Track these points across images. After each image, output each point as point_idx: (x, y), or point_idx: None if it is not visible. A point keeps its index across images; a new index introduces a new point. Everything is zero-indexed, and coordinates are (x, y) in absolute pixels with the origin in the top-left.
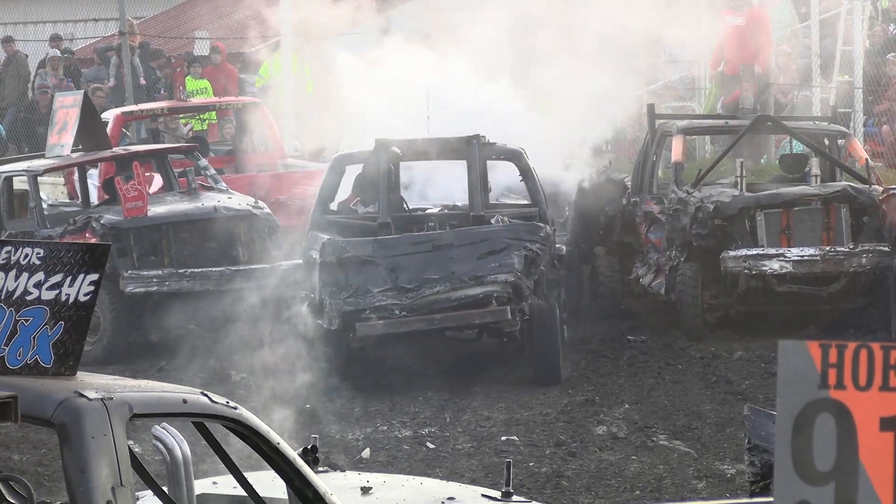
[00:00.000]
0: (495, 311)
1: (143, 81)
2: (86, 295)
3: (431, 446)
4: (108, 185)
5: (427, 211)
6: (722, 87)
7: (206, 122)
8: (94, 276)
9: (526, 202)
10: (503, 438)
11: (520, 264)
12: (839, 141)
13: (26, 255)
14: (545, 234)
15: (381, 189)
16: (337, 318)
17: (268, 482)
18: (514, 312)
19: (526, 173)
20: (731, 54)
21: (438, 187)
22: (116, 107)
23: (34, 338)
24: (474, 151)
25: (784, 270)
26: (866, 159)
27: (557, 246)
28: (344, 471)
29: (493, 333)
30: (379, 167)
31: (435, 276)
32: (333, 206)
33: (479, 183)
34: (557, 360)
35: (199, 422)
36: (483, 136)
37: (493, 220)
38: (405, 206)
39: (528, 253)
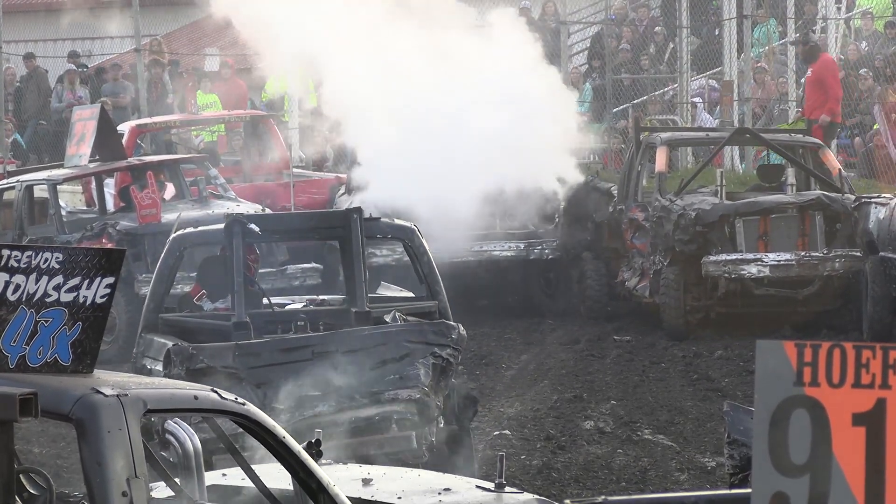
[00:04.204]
0: (396, 438)
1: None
2: (102, 297)
3: None
4: (123, 194)
5: (288, 306)
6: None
7: (216, 133)
8: (111, 280)
9: (412, 294)
10: (496, 433)
11: (427, 376)
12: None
13: (46, 260)
14: (458, 336)
15: (234, 279)
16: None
17: (274, 474)
18: (420, 440)
19: (420, 256)
20: (806, 102)
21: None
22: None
23: (53, 338)
24: (353, 229)
25: (761, 274)
26: (839, 169)
27: None
28: (346, 463)
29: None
30: (232, 251)
31: (316, 392)
32: (171, 301)
33: (361, 270)
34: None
35: (209, 417)
36: (364, 211)
37: (387, 318)
38: (266, 299)
39: (438, 361)
